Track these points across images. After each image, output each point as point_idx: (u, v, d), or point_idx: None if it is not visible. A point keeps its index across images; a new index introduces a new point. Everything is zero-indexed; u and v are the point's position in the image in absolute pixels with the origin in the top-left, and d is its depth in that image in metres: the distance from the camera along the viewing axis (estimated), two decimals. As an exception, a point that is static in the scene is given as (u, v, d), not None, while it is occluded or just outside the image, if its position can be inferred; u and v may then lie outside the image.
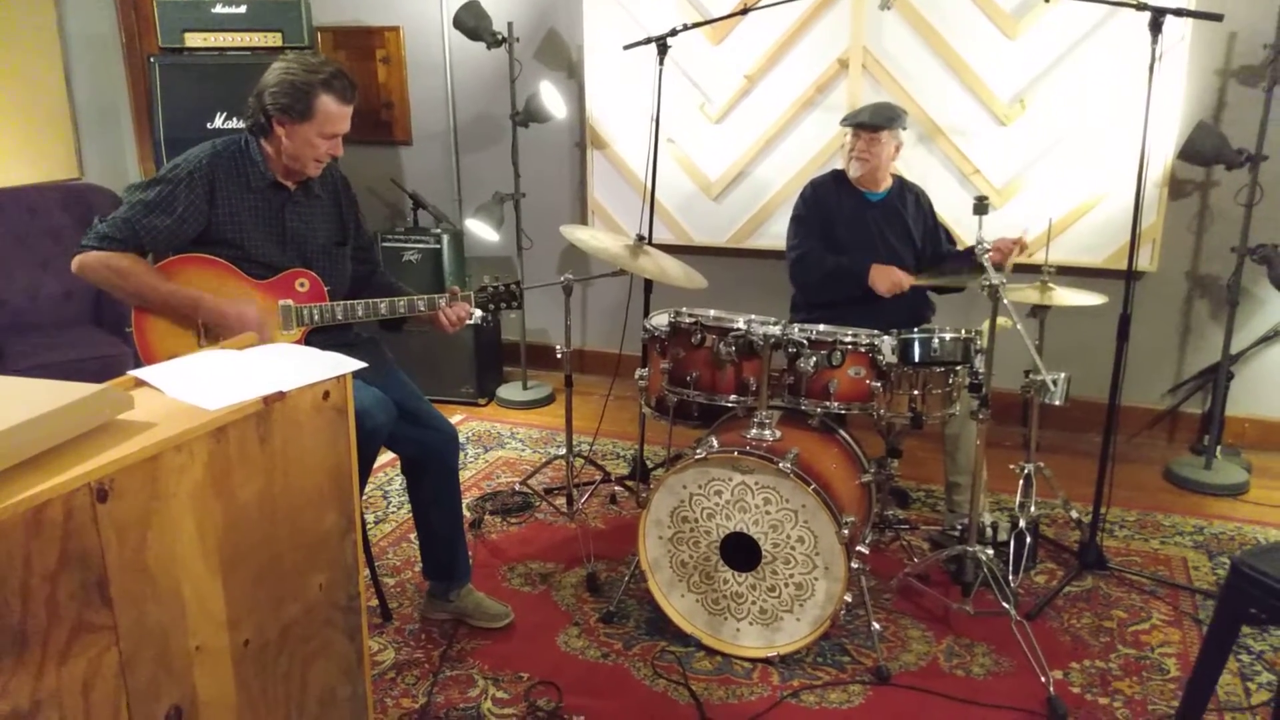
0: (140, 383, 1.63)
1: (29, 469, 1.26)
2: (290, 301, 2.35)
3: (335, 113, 2.28)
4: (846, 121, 3.17)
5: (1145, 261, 3.78)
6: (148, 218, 2.19)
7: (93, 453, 1.33)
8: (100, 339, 3.91)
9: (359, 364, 1.75)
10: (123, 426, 1.43)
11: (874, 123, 3.08)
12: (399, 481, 3.57)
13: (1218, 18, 2.73)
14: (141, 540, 1.38)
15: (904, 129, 3.16)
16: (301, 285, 2.36)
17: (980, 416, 2.54)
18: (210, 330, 2.26)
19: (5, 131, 4.37)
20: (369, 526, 3.23)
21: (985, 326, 2.60)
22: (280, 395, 1.60)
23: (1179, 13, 2.68)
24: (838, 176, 3.26)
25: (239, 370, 1.68)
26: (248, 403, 1.55)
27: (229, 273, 2.30)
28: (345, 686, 1.87)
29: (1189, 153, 3.44)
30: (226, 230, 2.29)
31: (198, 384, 1.59)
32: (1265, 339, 3.76)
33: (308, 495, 1.70)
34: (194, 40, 4.12)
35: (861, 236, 3.16)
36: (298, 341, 2.32)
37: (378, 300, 2.42)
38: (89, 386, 1.42)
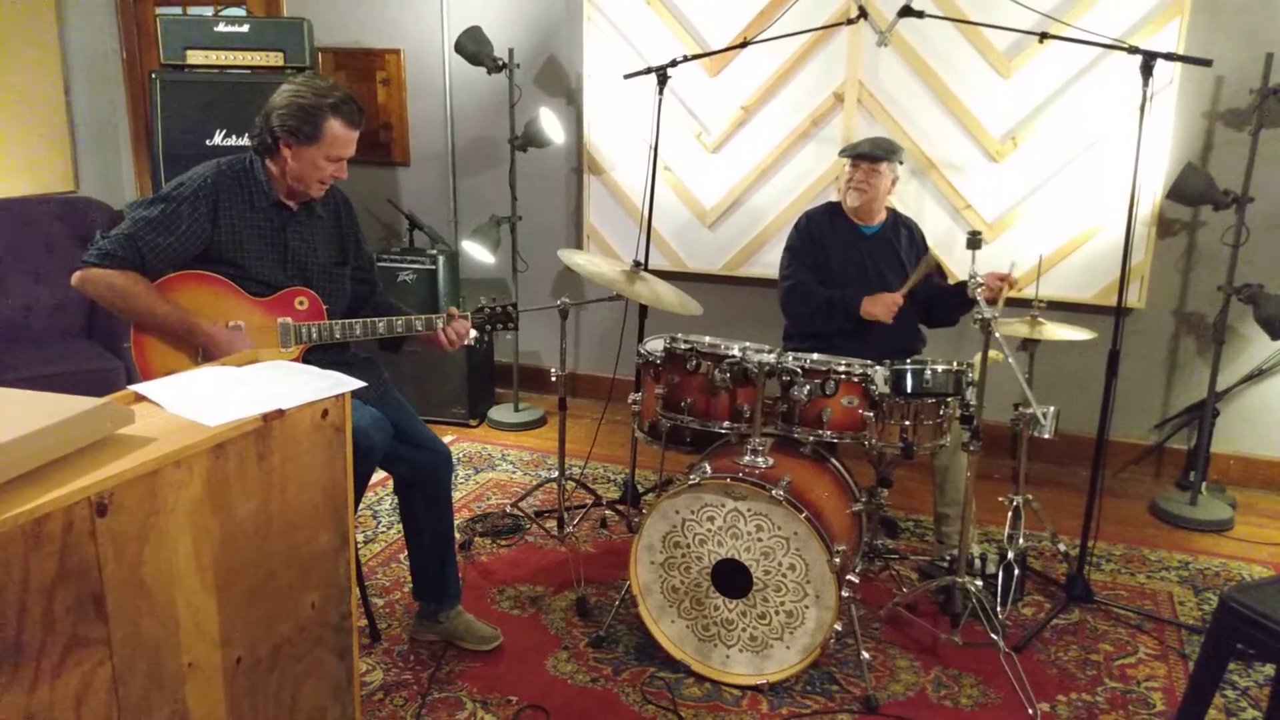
0: (140, 397, 1.64)
1: (29, 481, 1.27)
2: (289, 319, 2.36)
3: (342, 137, 2.30)
4: (846, 152, 3.22)
5: (1133, 298, 3.83)
6: (150, 235, 2.20)
7: (93, 466, 1.34)
8: (92, 352, 3.90)
9: (358, 383, 1.76)
10: (123, 441, 1.43)
11: (873, 154, 3.13)
12: (389, 501, 3.56)
13: (1206, 63, 2.79)
14: (138, 555, 1.38)
15: (901, 163, 3.21)
16: (301, 304, 2.37)
17: (971, 448, 2.56)
18: (207, 353, 2.27)
19: (3, 143, 4.38)
20: (359, 546, 3.22)
21: (976, 359, 2.63)
22: (280, 413, 1.60)
23: (1169, 57, 2.74)
24: (832, 208, 3.30)
25: (239, 387, 1.69)
26: (247, 420, 1.55)
27: (228, 290, 2.31)
28: (334, 707, 1.86)
29: (1177, 193, 3.50)
30: (228, 249, 2.30)
31: (198, 400, 1.60)
32: (1250, 377, 3.81)
33: (303, 513, 1.70)
34: (195, 58, 4.15)
35: (854, 269, 3.20)
36: (295, 360, 2.33)
37: (376, 320, 2.43)
38: (90, 400, 1.42)
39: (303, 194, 2.38)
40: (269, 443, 1.60)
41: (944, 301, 3.21)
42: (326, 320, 2.40)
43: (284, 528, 1.66)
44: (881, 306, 3.05)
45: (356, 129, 2.33)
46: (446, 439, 4.26)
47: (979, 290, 2.60)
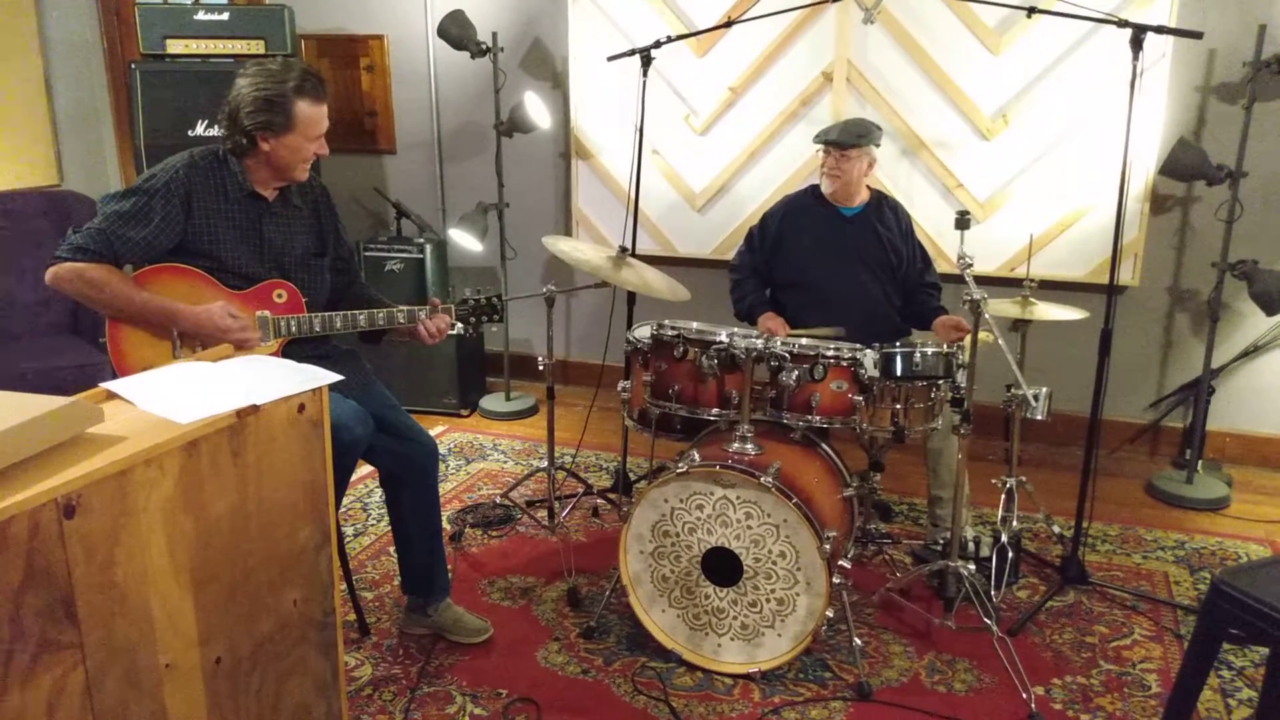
0: (112, 395, 1.61)
1: (-7, 484, 1.24)
2: (267, 313, 2.32)
3: (314, 114, 2.27)
4: (818, 139, 3.16)
5: (1127, 276, 3.80)
6: (123, 229, 2.16)
7: (60, 467, 1.31)
8: (77, 348, 3.86)
9: (335, 376, 1.73)
10: (92, 440, 1.41)
11: (842, 141, 3.07)
12: (379, 494, 3.53)
13: (1197, 35, 2.75)
14: (110, 556, 1.35)
15: (877, 145, 3.14)
16: (279, 296, 2.34)
17: (962, 431, 2.54)
18: (186, 340, 2.23)
19: (-16, 137, 4.32)
20: (348, 540, 3.20)
21: (966, 341, 2.60)
22: (254, 408, 1.57)
23: (1159, 30, 2.69)
24: (814, 191, 3.26)
25: (212, 382, 1.66)
26: (220, 416, 1.52)
27: (204, 282, 2.27)
28: (320, 704, 1.84)
29: (1170, 169, 3.46)
30: (203, 241, 2.26)
31: (170, 396, 1.57)
32: (1246, 354, 3.78)
33: (282, 510, 1.68)
34: (175, 47, 4.09)
35: (835, 251, 3.16)
36: (274, 353, 2.30)
37: (356, 312, 2.40)
38: (58, 399, 1.39)
39: (290, 180, 2.34)
40: (243, 439, 1.57)
41: (916, 308, 3.20)
42: (305, 313, 2.37)
43: (262, 525, 1.63)
44: (776, 324, 3.10)
45: (323, 102, 2.30)
46: (437, 429, 4.23)
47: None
